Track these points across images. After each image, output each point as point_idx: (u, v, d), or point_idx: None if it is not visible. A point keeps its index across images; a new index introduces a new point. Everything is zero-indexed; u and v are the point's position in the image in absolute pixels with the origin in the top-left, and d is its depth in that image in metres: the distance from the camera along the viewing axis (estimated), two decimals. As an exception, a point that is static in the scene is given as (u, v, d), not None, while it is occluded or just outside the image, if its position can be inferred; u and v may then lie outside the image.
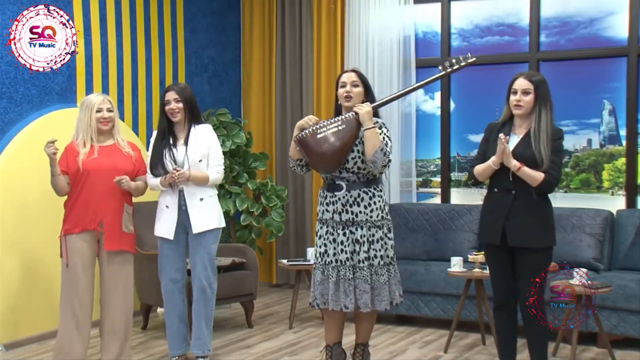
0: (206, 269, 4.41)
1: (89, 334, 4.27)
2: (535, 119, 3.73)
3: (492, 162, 3.77)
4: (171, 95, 4.37)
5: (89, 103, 4.22)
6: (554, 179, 3.71)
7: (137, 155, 4.35)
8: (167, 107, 4.37)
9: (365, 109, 3.85)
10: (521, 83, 3.76)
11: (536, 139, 3.71)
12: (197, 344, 4.47)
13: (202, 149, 4.38)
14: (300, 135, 3.91)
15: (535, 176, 3.68)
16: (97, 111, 4.20)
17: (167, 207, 4.41)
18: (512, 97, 3.79)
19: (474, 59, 4.01)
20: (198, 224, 4.35)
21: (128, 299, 4.31)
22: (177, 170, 4.25)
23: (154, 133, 4.51)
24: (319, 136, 3.86)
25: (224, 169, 4.59)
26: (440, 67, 4.05)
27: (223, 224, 4.51)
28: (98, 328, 4.37)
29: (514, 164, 3.69)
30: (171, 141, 4.40)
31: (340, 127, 3.86)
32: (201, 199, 4.37)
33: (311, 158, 3.96)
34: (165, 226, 4.41)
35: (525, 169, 3.68)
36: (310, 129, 3.89)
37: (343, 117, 3.90)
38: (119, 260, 4.24)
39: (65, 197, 4.26)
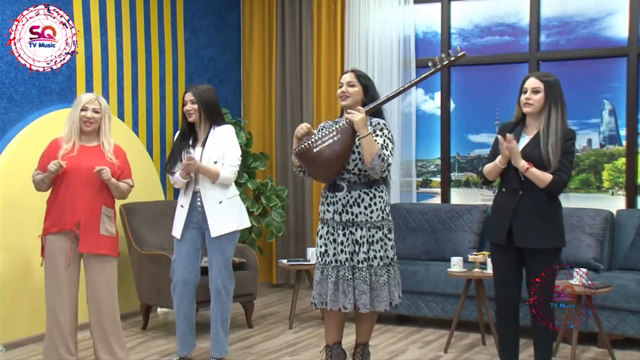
0: (221, 272, 4.39)
1: (75, 334, 4.22)
2: (545, 119, 3.72)
3: (498, 161, 3.76)
4: (188, 97, 4.39)
5: (78, 101, 4.20)
6: (562, 180, 3.68)
7: (120, 161, 4.24)
8: (184, 108, 4.40)
9: (358, 116, 3.83)
10: (532, 82, 3.76)
11: (545, 140, 3.69)
12: (214, 346, 4.46)
13: (219, 151, 4.37)
14: (297, 149, 3.92)
15: (543, 178, 3.66)
16: (82, 110, 4.16)
17: (181, 206, 4.41)
18: (523, 96, 3.78)
19: (463, 52, 3.98)
20: (216, 228, 4.32)
21: (112, 302, 4.22)
22: (189, 159, 4.25)
23: (177, 133, 4.54)
24: (315, 150, 3.86)
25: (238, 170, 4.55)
26: (430, 64, 4.01)
27: (244, 225, 4.49)
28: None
29: (522, 164, 3.67)
30: (191, 142, 4.41)
31: (335, 138, 3.86)
32: (220, 202, 4.35)
33: (310, 171, 4.00)
34: (176, 225, 4.41)
35: (533, 169, 3.66)
36: (306, 143, 3.89)
37: (338, 126, 3.90)
38: (98, 263, 4.17)
39: (47, 192, 4.23)
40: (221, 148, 4.38)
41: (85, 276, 4.21)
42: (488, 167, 3.86)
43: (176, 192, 5.14)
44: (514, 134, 3.78)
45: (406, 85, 4.19)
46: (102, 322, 4.19)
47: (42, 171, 4.14)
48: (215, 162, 4.35)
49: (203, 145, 4.38)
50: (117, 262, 4.29)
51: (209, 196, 4.34)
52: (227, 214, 4.37)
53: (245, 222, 4.50)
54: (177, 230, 4.40)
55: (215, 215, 4.33)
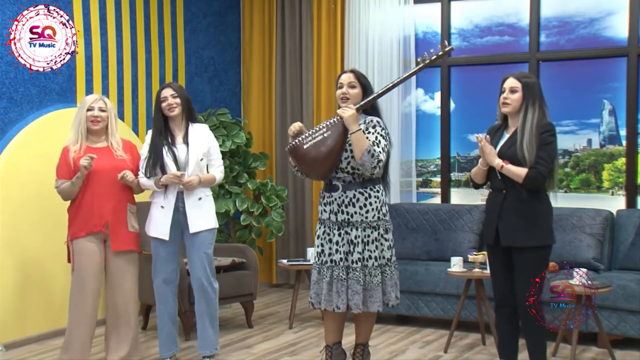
0: (205, 269, 4.40)
1: (92, 336, 4.28)
2: (522, 117, 3.77)
3: (480, 163, 3.85)
4: (168, 92, 4.37)
5: (83, 102, 4.26)
6: (539, 173, 3.67)
7: (130, 158, 4.32)
8: (164, 104, 4.36)
9: (348, 112, 3.84)
10: (509, 82, 3.82)
11: (520, 136, 3.73)
12: (203, 344, 4.46)
13: (203, 148, 4.40)
14: (289, 146, 3.94)
15: (519, 172, 3.70)
16: (89, 109, 4.20)
17: (162, 207, 4.38)
18: (501, 96, 3.85)
19: (451, 47, 4.03)
20: (195, 224, 4.35)
21: (134, 297, 4.34)
22: (182, 178, 4.26)
23: (149, 132, 4.47)
24: (305, 147, 3.87)
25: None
26: (419, 59, 4.06)
27: (217, 224, 4.53)
28: (104, 327, 4.39)
29: (496, 162, 3.74)
30: (169, 140, 4.39)
31: (325, 134, 3.86)
32: (199, 199, 4.38)
33: (302, 167, 4.00)
34: (160, 227, 4.38)
35: (509, 166, 3.71)
36: (297, 140, 3.90)
37: (328, 122, 3.90)
38: (125, 259, 4.28)
39: (68, 201, 4.27)
40: (205, 145, 4.41)
41: (110, 273, 4.27)
42: (474, 171, 3.94)
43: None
44: (497, 134, 3.87)
45: (395, 82, 4.11)
46: (124, 316, 4.27)
47: (65, 178, 4.17)
48: (202, 160, 4.38)
49: (185, 143, 4.37)
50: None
51: (191, 194, 4.36)
52: (205, 211, 4.40)
53: (217, 221, 4.54)
54: (162, 232, 4.36)
55: (194, 212, 4.35)
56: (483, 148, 3.76)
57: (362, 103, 3.96)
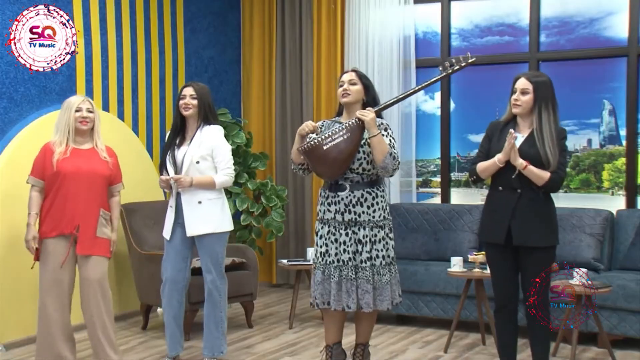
0: (210, 272, 4.37)
1: (69, 336, 4.24)
2: (536, 120, 3.72)
3: (498, 159, 3.73)
4: (188, 91, 4.36)
5: (69, 103, 4.20)
6: (560, 178, 3.70)
7: (113, 162, 4.28)
8: (181, 101, 4.36)
9: (369, 115, 3.85)
10: (521, 82, 3.76)
11: (540, 139, 3.69)
12: (207, 346, 4.44)
13: (203, 150, 4.32)
14: (305, 146, 3.91)
15: (542, 175, 3.66)
16: (77, 110, 4.17)
17: (170, 207, 4.40)
18: (512, 97, 3.79)
19: (473, 59, 4.01)
20: (191, 228, 4.30)
21: (105, 301, 4.22)
22: (175, 179, 4.24)
23: (170, 131, 4.51)
24: (325, 148, 3.86)
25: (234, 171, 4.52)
26: (440, 68, 4.05)
27: (226, 228, 4.40)
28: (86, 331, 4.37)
29: (520, 162, 3.66)
30: (178, 141, 4.38)
31: (345, 136, 3.87)
32: (199, 202, 4.31)
33: (318, 168, 3.98)
34: (166, 226, 4.41)
35: (532, 167, 3.66)
36: (315, 140, 3.89)
37: (347, 124, 3.90)
38: (92, 264, 4.18)
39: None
40: (206, 148, 4.33)
41: (80, 277, 4.22)
42: (483, 165, 3.82)
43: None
44: (504, 132, 3.77)
45: (416, 88, 4.25)
46: (94, 321, 4.20)
47: (39, 178, 4.16)
48: (198, 162, 4.30)
49: (189, 145, 4.35)
50: (108, 262, 4.33)
51: (188, 196, 4.32)
52: (205, 215, 4.32)
53: (226, 225, 4.41)
54: (166, 230, 4.40)
55: (192, 215, 4.31)
56: (513, 145, 3.67)
57: (382, 106, 4.00)
